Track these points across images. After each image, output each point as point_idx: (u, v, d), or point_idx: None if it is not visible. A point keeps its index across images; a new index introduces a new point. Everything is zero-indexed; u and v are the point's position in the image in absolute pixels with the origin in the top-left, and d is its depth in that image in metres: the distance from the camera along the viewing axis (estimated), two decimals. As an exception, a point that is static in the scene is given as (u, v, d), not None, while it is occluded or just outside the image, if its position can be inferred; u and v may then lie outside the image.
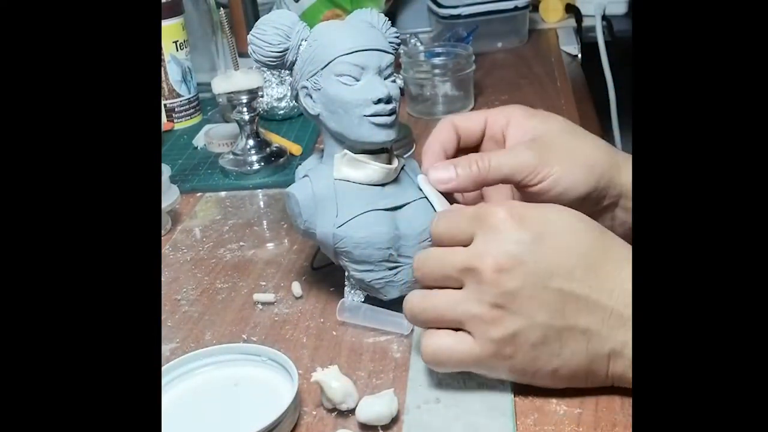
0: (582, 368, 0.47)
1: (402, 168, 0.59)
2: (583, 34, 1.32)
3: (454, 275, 0.48)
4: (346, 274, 0.59)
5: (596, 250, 0.47)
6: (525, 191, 0.58)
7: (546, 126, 0.60)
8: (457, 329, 0.48)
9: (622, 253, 0.48)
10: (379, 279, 0.57)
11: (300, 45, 0.56)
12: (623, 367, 0.46)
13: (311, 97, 0.56)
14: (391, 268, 0.57)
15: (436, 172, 0.57)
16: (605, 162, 0.58)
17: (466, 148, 0.62)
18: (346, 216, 0.55)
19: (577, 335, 0.46)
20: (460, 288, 0.47)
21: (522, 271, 0.45)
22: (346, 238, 0.55)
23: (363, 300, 0.59)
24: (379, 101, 0.54)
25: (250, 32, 0.57)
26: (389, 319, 0.57)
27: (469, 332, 0.47)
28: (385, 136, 0.56)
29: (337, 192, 0.56)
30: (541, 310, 0.46)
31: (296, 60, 0.57)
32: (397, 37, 0.59)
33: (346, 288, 0.60)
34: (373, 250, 0.55)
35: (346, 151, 0.56)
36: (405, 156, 0.84)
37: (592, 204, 0.58)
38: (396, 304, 0.58)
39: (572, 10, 1.36)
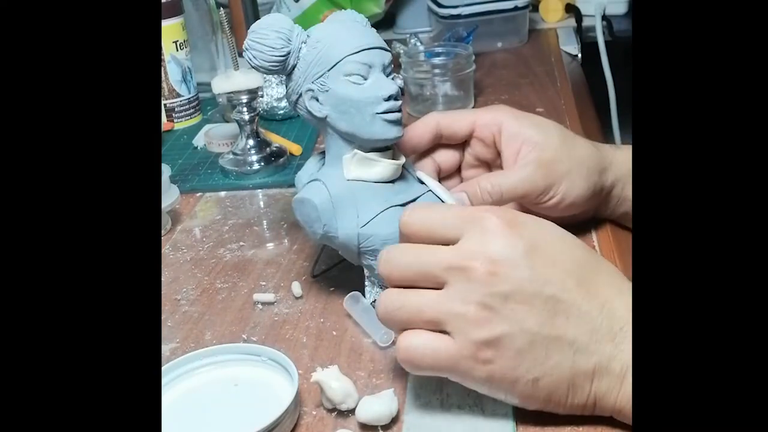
0: (564, 382, 0.45)
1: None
2: (583, 34, 1.32)
3: (436, 273, 0.45)
4: (366, 273, 0.59)
5: (587, 265, 0.47)
6: (532, 207, 0.61)
7: (543, 136, 0.61)
8: (434, 331, 0.46)
9: (611, 272, 0.47)
10: None
11: (300, 48, 0.56)
12: (607, 386, 0.44)
13: (317, 100, 0.56)
14: None
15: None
16: (596, 159, 0.63)
17: (448, 145, 0.65)
18: (368, 215, 0.56)
19: (563, 346, 0.44)
20: (438, 288, 0.45)
21: (516, 276, 0.44)
22: (372, 237, 0.55)
23: None
24: (389, 98, 0.55)
25: (248, 38, 0.56)
26: (373, 324, 0.57)
27: (448, 333, 0.45)
28: (396, 132, 0.56)
29: (354, 192, 0.56)
30: (531, 316, 0.44)
31: (296, 63, 0.56)
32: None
33: (366, 287, 0.60)
34: None
35: (356, 150, 0.56)
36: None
37: (594, 199, 0.62)
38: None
39: (572, 10, 1.36)
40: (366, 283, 0.60)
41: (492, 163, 0.65)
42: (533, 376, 0.44)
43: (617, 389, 0.44)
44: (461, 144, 0.65)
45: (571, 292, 0.45)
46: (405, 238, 0.48)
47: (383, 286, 0.59)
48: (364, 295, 0.60)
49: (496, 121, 0.62)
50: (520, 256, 0.44)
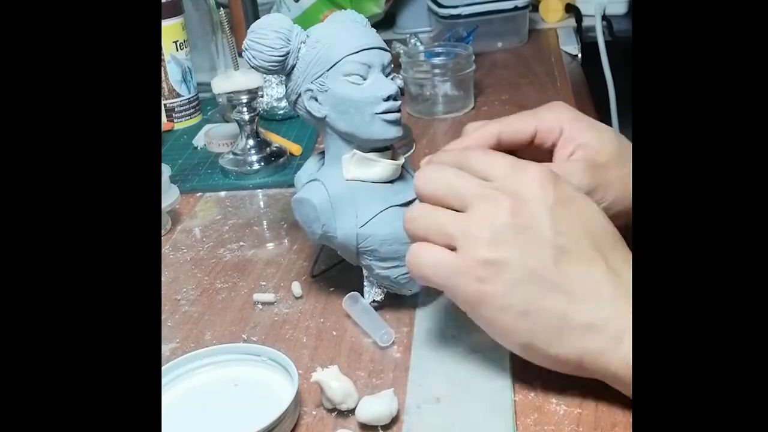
0: (551, 327, 0.46)
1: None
2: (583, 34, 1.32)
3: (464, 195, 0.48)
4: (365, 273, 0.59)
5: (609, 239, 0.48)
6: None
7: (599, 142, 0.58)
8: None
9: (628, 255, 0.48)
10: (404, 274, 0.57)
11: (300, 48, 0.56)
12: (598, 346, 0.45)
13: (316, 100, 0.56)
14: None
15: None
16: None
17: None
18: (367, 215, 0.56)
19: (559, 293, 0.45)
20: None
21: (537, 217, 0.46)
22: (371, 237, 0.56)
23: (383, 298, 0.59)
24: (388, 98, 0.55)
25: (247, 38, 0.56)
26: (373, 324, 0.57)
27: (455, 249, 0.47)
28: (395, 132, 0.56)
29: (353, 192, 0.56)
30: (536, 255, 0.46)
31: (296, 63, 0.56)
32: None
33: (365, 288, 0.60)
34: (399, 245, 0.56)
35: (355, 151, 0.56)
36: (405, 155, 0.85)
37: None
38: (393, 309, 0.59)
39: (572, 10, 1.36)
40: (365, 283, 0.60)
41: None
42: (521, 308, 0.46)
43: (610, 351, 0.44)
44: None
45: (582, 250, 0.46)
46: (445, 159, 0.51)
47: (382, 287, 0.59)
48: (362, 295, 0.60)
49: (559, 124, 0.59)
50: (547, 205, 0.46)
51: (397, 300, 0.60)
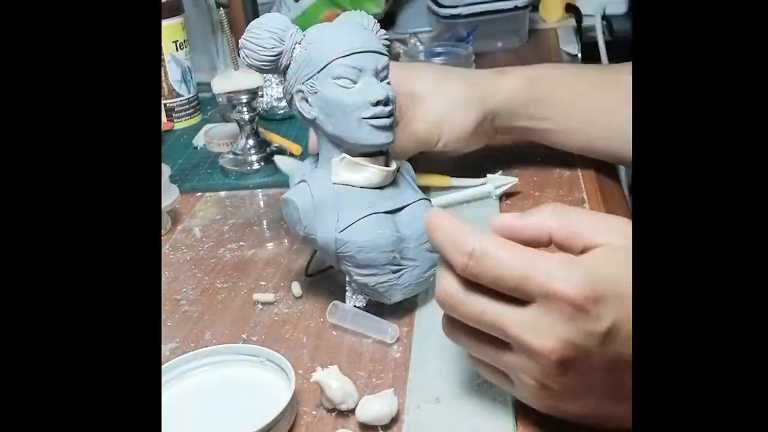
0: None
1: (398, 170, 0.59)
2: (583, 34, 1.32)
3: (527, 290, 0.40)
4: (347, 279, 0.58)
5: None
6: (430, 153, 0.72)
7: (420, 81, 0.71)
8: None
9: None
10: (383, 282, 0.56)
11: (294, 48, 0.56)
12: None
13: (307, 101, 0.56)
14: (394, 272, 0.56)
15: None
16: (476, 96, 0.72)
17: None
18: (348, 220, 0.55)
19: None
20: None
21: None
22: (349, 243, 0.55)
23: (365, 305, 0.59)
24: (377, 103, 0.54)
25: (242, 36, 0.56)
26: (375, 326, 0.57)
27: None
28: (384, 138, 0.55)
29: (337, 196, 0.56)
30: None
31: (290, 64, 0.56)
32: (388, 39, 0.59)
33: (347, 293, 0.59)
34: (377, 253, 0.55)
35: (344, 154, 0.56)
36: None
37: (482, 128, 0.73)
38: (393, 308, 0.59)
39: (572, 9, 1.36)
40: (347, 288, 0.59)
41: None
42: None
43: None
44: None
45: None
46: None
47: (364, 294, 0.58)
48: (344, 301, 0.59)
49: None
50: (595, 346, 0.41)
51: (396, 304, 0.59)
